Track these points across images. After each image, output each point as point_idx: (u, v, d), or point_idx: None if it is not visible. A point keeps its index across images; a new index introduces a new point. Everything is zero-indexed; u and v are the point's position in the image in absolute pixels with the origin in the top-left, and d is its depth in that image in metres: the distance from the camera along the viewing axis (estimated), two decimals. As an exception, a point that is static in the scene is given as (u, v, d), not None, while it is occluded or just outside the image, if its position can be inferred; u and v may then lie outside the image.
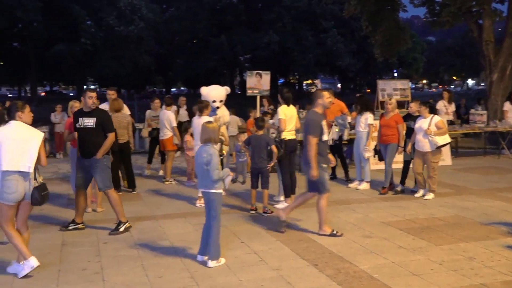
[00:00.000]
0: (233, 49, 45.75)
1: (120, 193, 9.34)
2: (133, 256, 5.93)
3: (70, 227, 7.04)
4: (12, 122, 5.32)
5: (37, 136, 5.32)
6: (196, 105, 9.12)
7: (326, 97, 6.73)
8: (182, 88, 76.99)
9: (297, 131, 8.72)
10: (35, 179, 5.25)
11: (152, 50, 48.32)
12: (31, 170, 5.22)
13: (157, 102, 11.61)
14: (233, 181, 10.08)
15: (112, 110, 9.21)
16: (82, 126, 6.98)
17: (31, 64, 43.02)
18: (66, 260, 5.80)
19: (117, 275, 5.35)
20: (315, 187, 6.72)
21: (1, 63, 44.81)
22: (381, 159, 9.49)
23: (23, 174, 5.20)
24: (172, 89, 70.28)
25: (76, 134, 7.68)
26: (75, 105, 8.45)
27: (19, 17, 37.48)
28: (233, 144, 10.79)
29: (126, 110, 9.62)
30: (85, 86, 59.21)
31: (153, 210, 8.23)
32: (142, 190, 9.63)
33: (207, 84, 9.87)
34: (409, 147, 9.03)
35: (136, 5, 42.28)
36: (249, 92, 12.24)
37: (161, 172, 11.25)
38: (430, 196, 8.73)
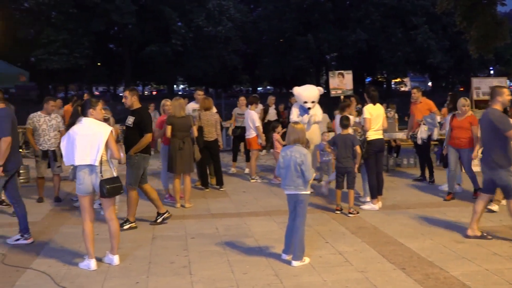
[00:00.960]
0: (319, 47, 45.45)
1: (207, 189, 9.60)
2: (219, 252, 6.05)
3: (158, 220, 7.31)
4: (83, 119, 5.57)
5: (104, 131, 5.51)
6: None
7: (506, 94, 6.32)
8: (268, 87, 77.61)
9: (384, 131, 8.50)
10: (101, 172, 5.46)
11: (239, 49, 49.10)
12: (97, 163, 5.41)
13: (242, 99, 11.80)
14: (318, 180, 10.04)
15: (202, 108, 9.47)
16: (126, 124, 7.25)
17: (125, 64, 45.15)
18: (156, 253, 6.03)
19: (204, 269, 5.48)
20: (491, 189, 6.47)
21: (99, 64, 47.42)
22: (446, 165, 8.89)
23: (91, 168, 5.45)
24: (259, 88, 71.02)
25: (167, 131, 8.05)
26: (166, 103, 8.78)
27: (115, 21, 39.45)
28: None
29: (213, 109, 9.85)
30: (175, 86, 61.32)
31: (239, 207, 8.35)
32: (229, 187, 9.80)
33: (294, 83, 9.89)
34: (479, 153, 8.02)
35: (224, 6, 43.12)
36: (332, 93, 12.10)
37: (247, 170, 11.40)
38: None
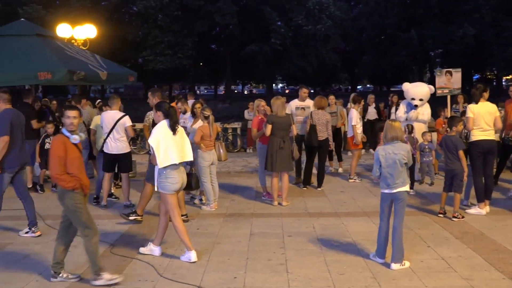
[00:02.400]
0: (423, 44, 43.74)
1: (305, 188, 9.58)
2: (315, 251, 6.03)
3: (130, 217, 7.32)
4: (162, 121, 5.73)
5: (182, 130, 5.88)
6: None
7: None
8: (368, 85, 76.05)
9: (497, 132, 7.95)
10: (192, 165, 5.78)
11: (338, 47, 48.54)
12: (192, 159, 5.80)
13: (331, 98, 11.66)
14: (419, 182, 9.68)
15: (316, 107, 9.43)
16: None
17: (226, 64, 46.31)
18: (253, 250, 6.12)
19: (301, 268, 5.48)
20: None
21: (201, 64, 49.04)
22: None
23: (181, 165, 5.73)
24: (358, 87, 69.78)
25: (267, 130, 8.11)
26: (261, 103, 8.88)
27: (217, 22, 40.57)
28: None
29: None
30: (274, 85, 61.89)
31: (336, 207, 8.26)
32: (326, 187, 9.70)
33: (395, 81, 9.66)
34: None
35: (324, 4, 42.79)
36: (438, 92, 11.54)
37: (340, 170, 11.28)
38: None
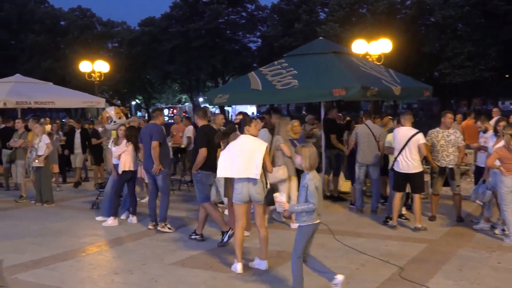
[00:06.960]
0: None
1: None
2: None
3: (224, 239, 7.16)
4: (241, 136, 6.09)
5: (260, 147, 5.94)
6: None
7: None
8: None
9: None
10: (267, 184, 6.02)
11: None
12: (258, 177, 5.83)
13: None
14: None
15: None
16: None
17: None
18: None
19: None
20: None
21: (506, 76, 44.79)
22: None
23: (251, 180, 5.86)
24: None
25: None
26: None
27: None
28: None
29: None
30: None
31: None
32: None
33: None
34: None
35: None
36: None
37: None
38: None
